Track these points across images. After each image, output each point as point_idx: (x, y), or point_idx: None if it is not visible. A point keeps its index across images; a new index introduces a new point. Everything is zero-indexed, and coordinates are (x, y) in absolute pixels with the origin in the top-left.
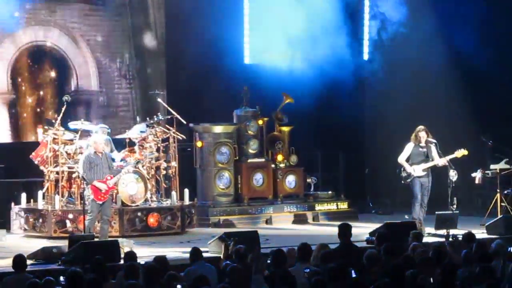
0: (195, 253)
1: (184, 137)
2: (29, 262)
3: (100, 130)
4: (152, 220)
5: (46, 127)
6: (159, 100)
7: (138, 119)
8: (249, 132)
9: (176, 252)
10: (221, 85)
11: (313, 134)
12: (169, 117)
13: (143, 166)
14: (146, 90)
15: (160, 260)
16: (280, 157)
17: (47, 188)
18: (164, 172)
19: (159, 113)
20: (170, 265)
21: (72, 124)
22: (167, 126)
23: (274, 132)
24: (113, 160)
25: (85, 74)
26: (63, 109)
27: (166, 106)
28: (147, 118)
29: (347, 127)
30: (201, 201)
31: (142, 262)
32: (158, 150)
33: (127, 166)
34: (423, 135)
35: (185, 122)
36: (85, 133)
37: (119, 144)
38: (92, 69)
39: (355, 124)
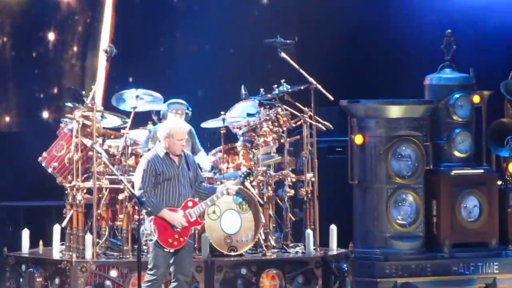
0: None
1: (331, 126)
2: None
3: (173, 109)
4: (267, 283)
5: (69, 104)
6: (284, 55)
7: (243, 90)
8: (455, 117)
9: None
10: (398, 31)
11: None
12: (302, 87)
13: (252, 182)
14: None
15: None
16: None
17: (70, 221)
18: (291, 192)
19: (283, 81)
20: None
21: (118, 98)
22: (297, 104)
23: (502, 119)
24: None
25: None
26: (103, 68)
27: (296, 67)
28: (261, 90)
29: None
30: (361, 248)
31: None
32: (280, 149)
33: (225, 180)
34: None
35: (332, 98)
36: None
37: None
38: None
39: None
